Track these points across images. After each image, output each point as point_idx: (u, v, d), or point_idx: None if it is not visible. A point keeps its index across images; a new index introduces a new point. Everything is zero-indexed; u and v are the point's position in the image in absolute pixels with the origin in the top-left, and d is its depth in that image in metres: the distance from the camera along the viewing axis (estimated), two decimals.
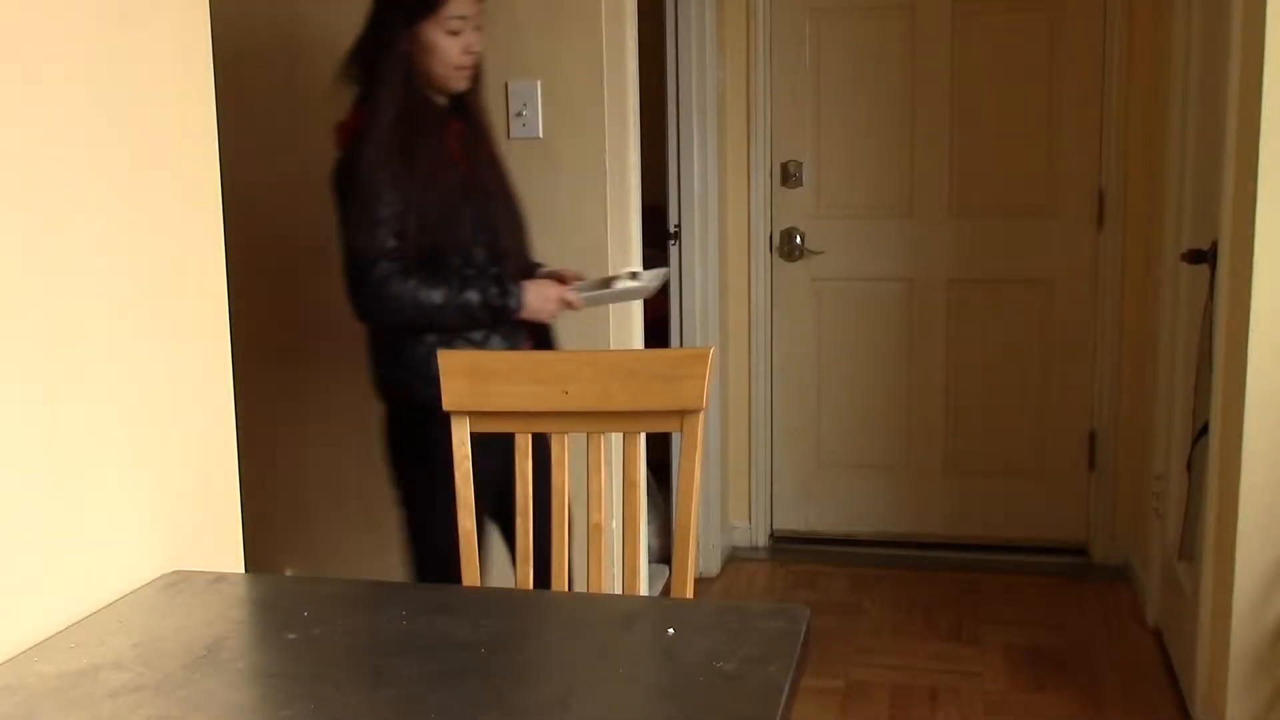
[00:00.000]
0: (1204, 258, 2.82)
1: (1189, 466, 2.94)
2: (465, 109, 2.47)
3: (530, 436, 2.03)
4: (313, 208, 3.05)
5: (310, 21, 2.99)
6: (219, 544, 1.83)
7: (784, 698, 1.24)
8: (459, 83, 2.40)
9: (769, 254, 4.13)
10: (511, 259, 2.47)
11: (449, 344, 2.37)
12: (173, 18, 1.73)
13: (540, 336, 2.53)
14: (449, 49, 2.35)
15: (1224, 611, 2.58)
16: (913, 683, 3.16)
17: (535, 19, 2.82)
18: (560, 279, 2.49)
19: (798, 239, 4.11)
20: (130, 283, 1.63)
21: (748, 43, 4.04)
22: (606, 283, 2.52)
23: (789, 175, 4.09)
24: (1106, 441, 3.97)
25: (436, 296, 2.34)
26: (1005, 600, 3.72)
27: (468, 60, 2.38)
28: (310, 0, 2.98)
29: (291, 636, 1.39)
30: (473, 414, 2.03)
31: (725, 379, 4.07)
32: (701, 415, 2.00)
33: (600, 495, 2.00)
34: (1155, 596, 3.43)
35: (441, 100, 2.44)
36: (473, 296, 2.37)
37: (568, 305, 2.46)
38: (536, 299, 2.42)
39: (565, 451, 2.01)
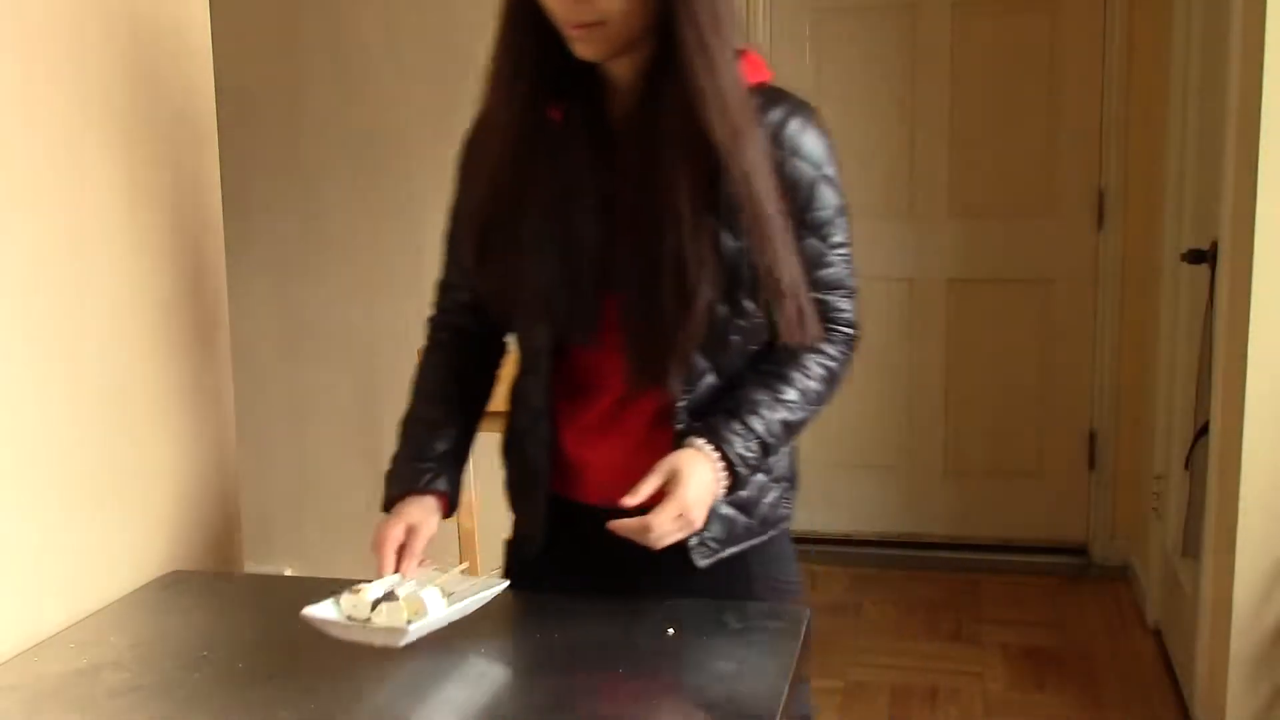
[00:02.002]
0: (1204, 258, 2.81)
1: (1187, 466, 2.94)
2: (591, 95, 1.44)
3: None
4: (315, 206, 3.06)
5: (311, 19, 2.99)
6: (219, 544, 1.83)
7: (784, 698, 1.24)
8: (574, 44, 1.37)
9: None
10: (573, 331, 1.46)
11: None
12: (173, 20, 1.74)
13: None
14: None
15: (1224, 611, 2.58)
16: (913, 683, 3.15)
17: None
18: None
19: None
20: (131, 283, 1.63)
21: (748, 43, 4.03)
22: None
23: None
24: (1106, 441, 3.96)
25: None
26: (1005, 600, 3.71)
27: (562, 10, 1.34)
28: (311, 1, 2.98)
29: (292, 636, 1.39)
30: None
31: None
32: None
33: None
34: (1155, 596, 3.43)
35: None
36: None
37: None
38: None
39: None
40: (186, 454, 1.76)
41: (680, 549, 1.41)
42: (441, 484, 1.51)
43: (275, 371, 3.11)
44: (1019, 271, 4.01)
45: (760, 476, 1.51)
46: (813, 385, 1.50)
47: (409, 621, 1.28)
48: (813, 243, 1.47)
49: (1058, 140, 3.91)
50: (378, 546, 1.42)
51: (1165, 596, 3.32)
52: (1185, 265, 2.99)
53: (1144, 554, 3.60)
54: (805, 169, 1.43)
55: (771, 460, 1.51)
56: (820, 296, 1.50)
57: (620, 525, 1.34)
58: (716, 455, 1.40)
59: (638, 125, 1.39)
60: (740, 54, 1.43)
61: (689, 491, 1.35)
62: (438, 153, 2.90)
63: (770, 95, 1.44)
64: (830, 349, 1.53)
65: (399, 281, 2.96)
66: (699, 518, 1.37)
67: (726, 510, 1.49)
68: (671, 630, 1.41)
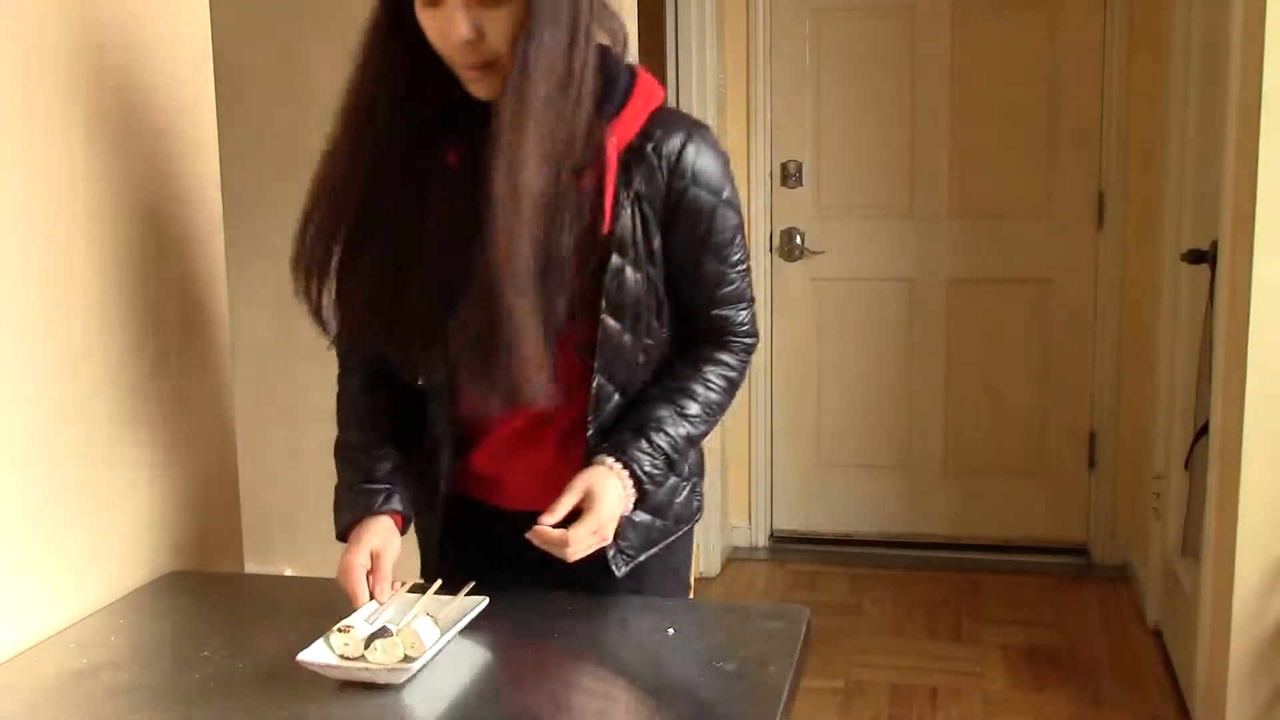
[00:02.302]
0: (1204, 258, 2.82)
1: (1187, 466, 2.94)
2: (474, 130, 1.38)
3: None
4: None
5: (311, 20, 2.99)
6: (219, 544, 1.83)
7: (784, 698, 1.24)
8: (469, 85, 1.38)
9: (769, 254, 4.13)
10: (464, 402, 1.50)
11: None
12: (173, 20, 1.74)
13: None
14: (425, 25, 1.36)
15: (1224, 611, 2.58)
16: (913, 683, 3.16)
17: None
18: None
19: (798, 239, 4.11)
20: (130, 283, 1.63)
21: (748, 43, 4.04)
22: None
23: (789, 175, 4.09)
24: (1106, 441, 3.97)
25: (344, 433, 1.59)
26: (1005, 600, 3.71)
27: (453, 52, 1.34)
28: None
29: (292, 637, 1.39)
30: None
31: None
32: None
33: None
34: (1155, 596, 3.43)
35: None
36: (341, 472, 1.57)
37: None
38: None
39: None
40: (186, 454, 1.76)
41: (599, 556, 1.45)
42: (396, 503, 1.52)
43: (275, 371, 3.10)
44: (1019, 271, 4.01)
45: (671, 479, 1.56)
46: (714, 397, 1.53)
47: (406, 656, 1.28)
48: (713, 265, 1.50)
49: (1058, 140, 3.91)
50: (344, 575, 1.41)
51: (1165, 596, 3.33)
52: (1185, 265, 2.99)
53: (1144, 554, 3.60)
54: (705, 196, 1.46)
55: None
56: (722, 311, 1.54)
57: (540, 536, 1.37)
58: (626, 474, 1.43)
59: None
60: (631, 79, 1.44)
61: (603, 510, 1.39)
62: None
63: (665, 121, 1.45)
64: (730, 359, 1.55)
65: None
66: (610, 534, 1.42)
67: (642, 517, 1.52)
68: (672, 630, 1.41)
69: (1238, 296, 2.52)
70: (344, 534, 1.49)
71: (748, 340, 1.57)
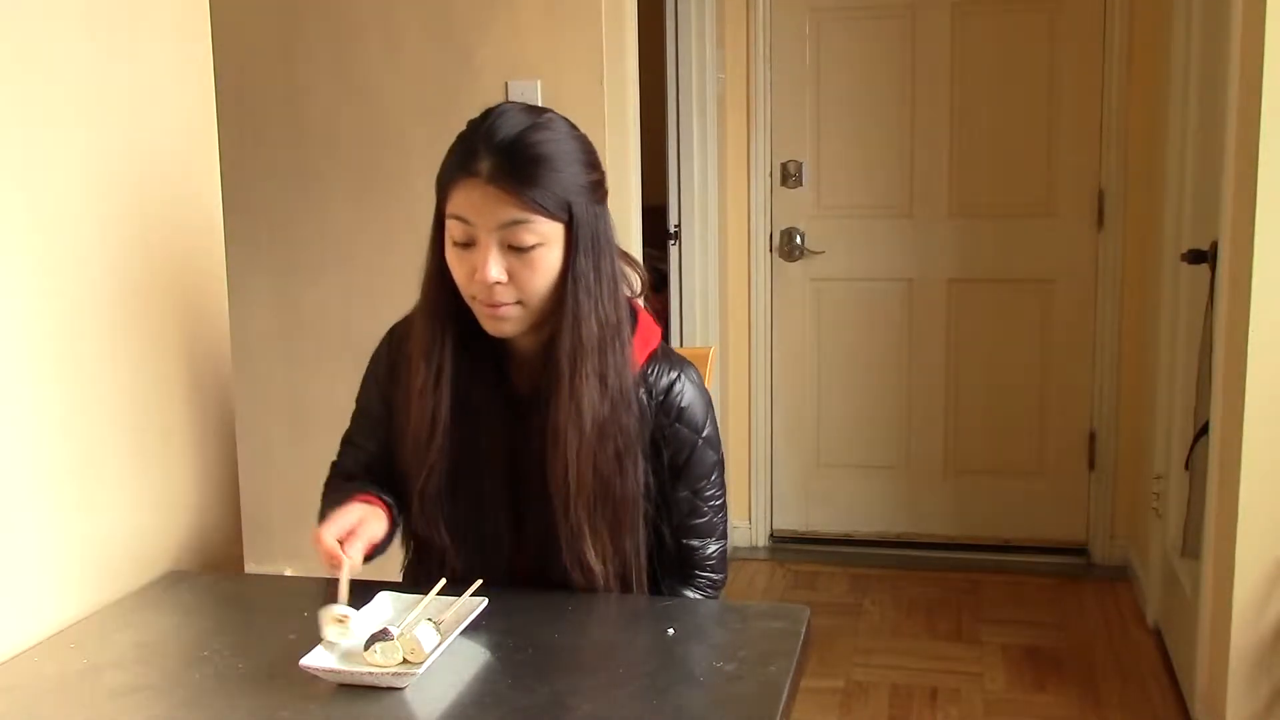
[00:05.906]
0: (1204, 258, 2.82)
1: (1188, 466, 2.94)
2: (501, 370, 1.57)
3: None
4: (315, 206, 3.06)
5: (311, 20, 2.99)
6: (219, 544, 1.83)
7: (784, 698, 1.24)
8: (486, 322, 1.49)
9: (769, 254, 4.13)
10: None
11: None
12: (173, 20, 1.74)
13: None
14: (453, 262, 1.51)
15: (1224, 611, 2.58)
16: (913, 683, 3.15)
17: (535, 19, 2.82)
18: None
19: (798, 239, 4.11)
20: (130, 284, 1.63)
21: (748, 43, 4.04)
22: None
23: (789, 175, 4.09)
24: (1106, 441, 3.97)
25: None
26: (1005, 600, 3.71)
27: (480, 291, 1.46)
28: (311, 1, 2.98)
29: (292, 637, 1.39)
30: None
31: (725, 379, 4.07)
32: None
33: None
34: (1155, 596, 3.43)
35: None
36: None
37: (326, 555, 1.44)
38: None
39: None
40: (186, 454, 1.76)
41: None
42: (387, 496, 1.56)
43: (275, 372, 3.11)
44: (1019, 271, 4.01)
45: None
46: None
47: (405, 660, 1.29)
48: (686, 495, 1.60)
49: (1058, 140, 3.91)
50: (318, 539, 1.42)
51: (1165, 596, 3.33)
52: (1185, 265, 2.99)
53: (1144, 554, 3.60)
54: (687, 434, 1.57)
55: None
56: (690, 541, 1.62)
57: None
58: None
59: (545, 396, 1.49)
60: (633, 323, 1.55)
61: None
62: (438, 153, 2.90)
63: (657, 360, 1.57)
64: (693, 594, 1.64)
65: (399, 282, 2.94)
66: None
67: None
68: (671, 630, 1.41)
69: (1238, 296, 2.52)
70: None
71: (714, 576, 1.64)
